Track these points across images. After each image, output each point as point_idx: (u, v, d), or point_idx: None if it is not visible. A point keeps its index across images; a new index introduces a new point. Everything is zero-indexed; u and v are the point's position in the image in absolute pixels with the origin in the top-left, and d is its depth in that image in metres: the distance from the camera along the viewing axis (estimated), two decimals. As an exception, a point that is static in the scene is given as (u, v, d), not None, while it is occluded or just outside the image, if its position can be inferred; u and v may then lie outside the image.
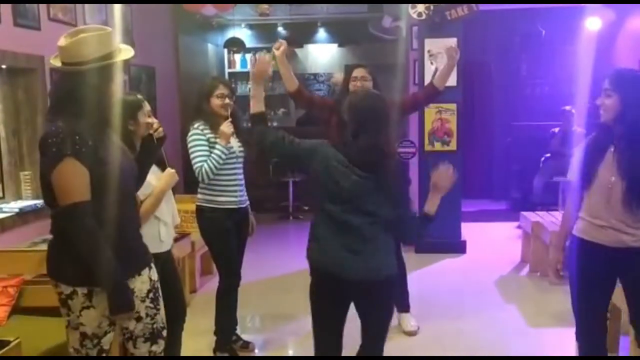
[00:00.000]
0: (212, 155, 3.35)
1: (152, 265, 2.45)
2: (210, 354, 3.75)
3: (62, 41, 2.18)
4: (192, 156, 3.38)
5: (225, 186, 3.47)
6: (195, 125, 3.42)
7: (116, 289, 2.15)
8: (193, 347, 3.63)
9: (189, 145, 3.40)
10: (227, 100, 3.43)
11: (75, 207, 2.09)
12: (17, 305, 3.15)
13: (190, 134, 3.42)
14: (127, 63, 2.37)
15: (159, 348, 2.45)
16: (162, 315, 2.46)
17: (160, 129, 2.58)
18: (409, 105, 4.03)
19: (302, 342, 3.95)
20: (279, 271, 5.39)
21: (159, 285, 2.46)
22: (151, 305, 2.40)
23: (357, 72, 3.75)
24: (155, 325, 2.42)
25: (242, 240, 3.69)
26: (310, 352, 3.79)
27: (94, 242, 2.11)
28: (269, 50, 10.89)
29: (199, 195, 3.52)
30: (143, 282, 2.37)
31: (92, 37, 2.18)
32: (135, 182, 2.43)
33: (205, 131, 3.42)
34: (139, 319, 2.37)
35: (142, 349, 2.41)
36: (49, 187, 2.14)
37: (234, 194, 3.51)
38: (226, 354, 3.63)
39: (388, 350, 3.79)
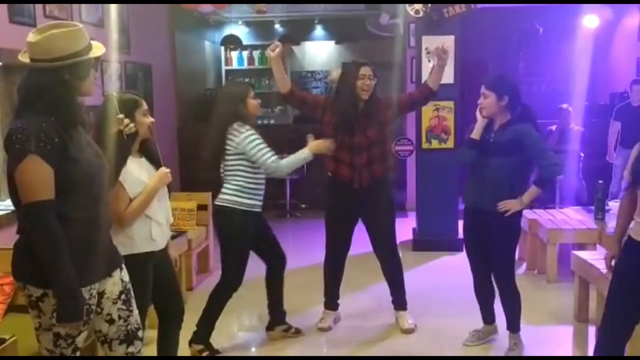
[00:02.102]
0: (296, 156, 3.56)
1: (123, 266, 2.41)
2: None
3: (32, 37, 2.13)
4: (260, 151, 3.46)
5: (255, 189, 3.57)
6: (246, 128, 3.49)
7: (66, 296, 2.06)
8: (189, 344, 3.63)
9: (253, 143, 3.45)
10: (259, 100, 3.63)
11: (37, 205, 2.03)
12: (12, 303, 3.15)
13: (246, 134, 3.46)
14: (98, 60, 2.32)
15: (135, 349, 2.42)
16: (135, 316, 2.42)
17: (132, 124, 2.52)
18: (405, 105, 4.06)
19: (301, 339, 3.95)
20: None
21: (130, 287, 2.41)
22: (123, 307, 2.36)
23: (365, 71, 3.77)
24: (129, 327, 2.38)
25: (270, 235, 3.85)
26: (309, 350, 3.80)
27: (50, 244, 2.04)
28: (265, 47, 10.88)
29: (225, 196, 3.56)
30: (114, 283, 2.33)
31: (63, 34, 2.13)
32: (108, 181, 2.35)
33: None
34: (111, 322, 2.34)
35: (118, 351, 2.38)
36: (15, 185, 2.08)
37: (260, 198, 3.62)
38: (201, 346, 3.63)
39: (386, 349, 3.80)
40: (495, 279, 3.60)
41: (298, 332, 3.98)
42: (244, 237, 3.58)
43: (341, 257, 4.08)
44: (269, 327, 3.94)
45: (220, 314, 3.69)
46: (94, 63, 2.26)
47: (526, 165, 3.43)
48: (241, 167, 3.52)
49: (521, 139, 3.34)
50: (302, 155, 3.58)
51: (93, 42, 2.24)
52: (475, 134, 3.50)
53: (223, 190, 3.57)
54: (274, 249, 3.84)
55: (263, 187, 3.62)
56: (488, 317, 3.79)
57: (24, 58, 2.17)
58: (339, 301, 4.17)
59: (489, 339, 3.80)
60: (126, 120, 2.51)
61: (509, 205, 3.39)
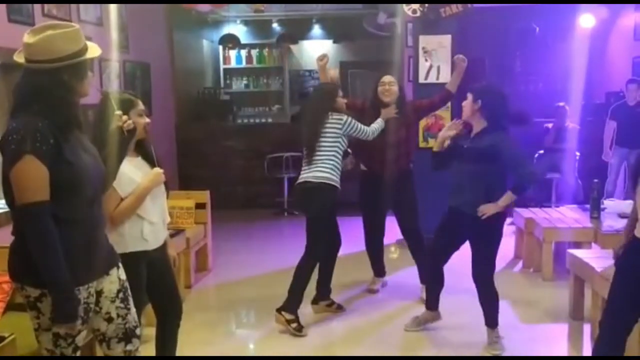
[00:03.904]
0: (377, 123, 4.22)
1: (120, 264, 2.42)
2: (205, 348, 3.77)
3: (28, 38, 2.11)
4: (359, 126, 4.10)
5: (340, 169, 4.07)
6: (342, 115, 4.08)
7: (61, 297, 2.06)
8: (187, 342, 3.63)
9: (352, 122, 4.06)
10: (344, 100, 4.23)
11: (31, 207, 2.03)
12: (11, 301, 3.15)
13: (346, 118, 4.05)
14: (92, 61, 2.31)
15: (133, 347, 2.42)
16: (133, 314, 2.43)
17: (130, 121, 2.50)
18: (427, 108, 4.66)
19: (299, 339, 3.96)
20: (274, 267, 5.40)
21: (128, 285, 2.42)
22: (121, 305, 2.37)
23: (385, 79, 4.40)
24: (127, 325, 2.39)
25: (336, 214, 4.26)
26: (307, 349, 3.82)
27: (45, 246, 2.04)
28: (263, 46, 10.85)
29: (322, 174, 3.97)
30: (112, 282, 2.34)
31: (61, 34, 2.12)
32: (104, 182, 2.35)
33: None
34: (110, 320, 2.34)
35: (117, 350, 2.38)
36: (10, 186, 2.07)
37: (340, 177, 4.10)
38: (293, 317, 3.96)
39: (381, 343, 3.82)
40: (475, 277, 3.69)
41: (340, 307, 4.35)
42: (333, 212, 4.10)
43: (378, 238, 4.71)
44: (314, 302, 4.31)
45: (307, 284, 4.06)
46: (90, 63, 2.26)
47: (503, 171, 3.56)
48: (336, 149, 4.03)
49: (499, 147, 3.47)
50: (381, 122, 4.26)
51: (88, 43, 2.24)
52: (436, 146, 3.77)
53: (317, 169, 3.99)
54: (336, 229, 4.26)
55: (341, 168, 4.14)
56: (431, 303, 3.98)
57: (20, 58, 2.16)
58: (385, 269, 4.81)
59: (428, 326, 3.98)
60: (124, 117, 2.51)
61: (485, 210, 3.49)
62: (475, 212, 3.50)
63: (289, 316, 3.96)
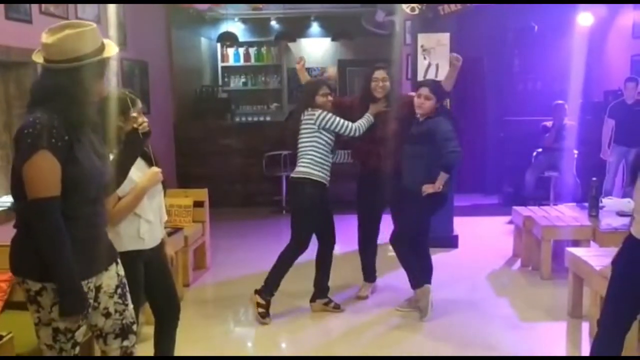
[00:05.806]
0: (365, 119, 4.19)
1: (119, 261, 2.43)
2: (203, 347, 3.77)
3: (46, 38, 2.12)
4: (337, 120, 4.08)
5: (324, 164, 4.10)
6: (319, 111, 4.08)
7: (69, 290, 2.10)
8: (185, 340, 3.62)
9: (327, 116, 4.06)
10: (330, 98, 4.18)
11: (43, 202, 2.05)
12: (9, 300, 3.15)
13: (319, 113, 4.06)
14: (109, 60, 2.32)
15: (130, 343, 2.44)
16: (130, 310, 2.44)
17: (145, 123, 2.51)
18: None
19: (297, 337, 3.96)
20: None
21: (126, 281, 2.43)
22: (119, 300, 2.38)
23: (378, 74, 4.29)
24: (124, 321, 2.40)
25: (330, 211, 4.24)
26: (305, 347, 3.82)
27: (55, 240, 2.06)
28: (262, 44, 10.85)
29: (300, 169, 4.07)
30: (110, 277, 2.35)
31: (78, 34, 2.13)
32: (112, 183, 2.37)
33: None
34: (108, 315, 2.35)
35: (113, 346, 2.40)
36: (19, 179, 2.08)
37: (327, 173, 4.13)
38: (264, 302, 4.08)
39: (379, 341, 3.83)
40: (393, 238, 4.17)
41: (337, 307, 4.32)
42: (313, 206, 4.07)
43: (372, 239, 4.58)
44: (312, 300, 4.31)
45: (285, 274, 4.14)
46: (107, 62, 2.26)
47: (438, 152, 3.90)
48: (314, 144, 4.06)
49: (434, 129, 3.93)
50: (368, 117, 4.22)
51: (105, 40, 2.24)
52: None
53: (299, 165, 4.10)
54: (330, 227, 4.24)
55: (330, 163, 4.15)
56: (414, 282, 4.19)
57: (38, 58, 2.17)
58: (376, 274, 4.68)
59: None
60: (140, 119, 2.51)
61: (425, 189, 3.92)
62: (414, 189, 3.92)
63: (260, 300, 4.08)
